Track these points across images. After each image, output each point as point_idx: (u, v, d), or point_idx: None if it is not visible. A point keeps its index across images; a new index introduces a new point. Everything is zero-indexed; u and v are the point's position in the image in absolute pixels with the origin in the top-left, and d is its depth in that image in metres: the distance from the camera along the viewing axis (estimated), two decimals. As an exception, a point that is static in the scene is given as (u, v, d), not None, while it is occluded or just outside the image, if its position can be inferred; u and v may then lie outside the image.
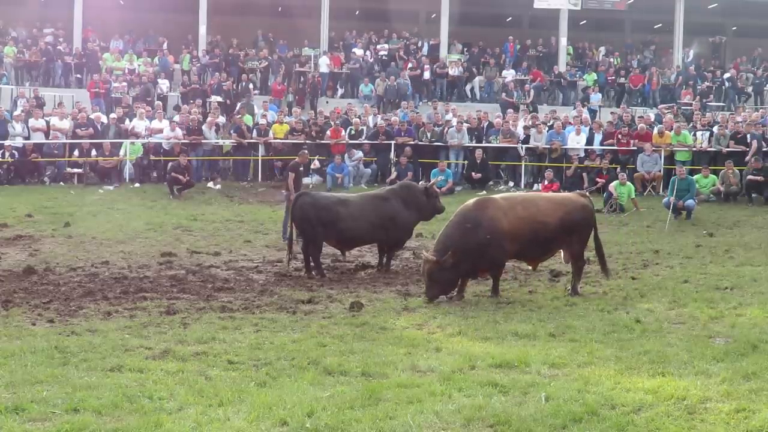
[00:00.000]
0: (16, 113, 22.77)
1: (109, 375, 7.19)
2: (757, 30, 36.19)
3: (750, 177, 20.46)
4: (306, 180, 22.51)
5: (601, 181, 21.38)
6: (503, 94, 29.00)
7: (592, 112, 27.14)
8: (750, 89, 32.15)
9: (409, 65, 30.04)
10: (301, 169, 18.29)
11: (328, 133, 23.20)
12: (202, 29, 31.23)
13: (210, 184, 21.96)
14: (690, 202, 17.87)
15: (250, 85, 28.37)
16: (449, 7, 32.11)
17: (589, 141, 23.01)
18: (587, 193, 12.20)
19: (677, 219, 17.65)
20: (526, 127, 23.44)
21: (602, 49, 33.45)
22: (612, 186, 19.16)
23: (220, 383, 7.04)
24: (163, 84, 27.68)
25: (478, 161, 22.30)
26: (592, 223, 11.03)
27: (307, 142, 23.01)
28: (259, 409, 6.36)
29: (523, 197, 11.27)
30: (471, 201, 10.88)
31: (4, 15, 31.54)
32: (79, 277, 11.56)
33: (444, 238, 10.45)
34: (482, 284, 11.59)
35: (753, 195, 20.37)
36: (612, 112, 26.02)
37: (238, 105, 26.25)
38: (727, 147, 22.23)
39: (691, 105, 28.11)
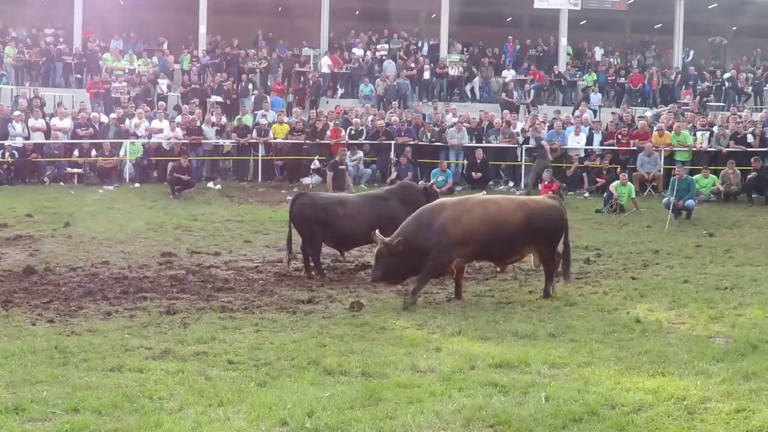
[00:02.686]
0: (16, 113, 22.77)
1: (109, 375, 7.19)
2: (757, 30, 36.18)
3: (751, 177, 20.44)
4: (306, 180, 22.65)
5: (601, 181, 21.39)
6: (503, 94, 29.00)
7: (592, 112, 27.13)
8: (750, 89, 32.16)
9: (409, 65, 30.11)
10: (341, 167, 18.39)
11: (328, 133, 23.21)
12: (202, 29, 31.22)
13: (210, 184, 21.97)
14: (690, 202, 17.88)
15: (250, 86, 28.40)
16: (449, 7, 32.10)
17: (589, 141, 23.02)
18: (558, 195, 11.75)
19: (677, 219, 17.64)
20: (523, 130, 23.42)
21: (600, 50, 33.39)
22: (612, 186, 19.16)
23: (220, 383, 7.04)
24: (163, 84, 27.70)
25: (478, 161, 22.32)
26: (562, 225, 10.72)
27: (308, 141, 23.09)
28: (259, 409, 6.37)
29: (484, 198, 10.99)
30: (433, 202, 10.80)
31: (4, 15, 31.53)
32: (79, 277, 11.56)
33: (401, 227, 10.47)
34: (482, 284, 11.61)
35: (753, 195, 20.35)
36: (613, 113, 25.98)
37: (252, 98, 26.33)
38: (727, 147, 22.23)
39: (690, 105, 28.14)
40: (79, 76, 29.12)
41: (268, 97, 27.07)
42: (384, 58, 30.71)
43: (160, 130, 22.97)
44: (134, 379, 7.08)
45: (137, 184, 21.65)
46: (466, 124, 23.56)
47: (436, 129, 23.39)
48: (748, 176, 20.50)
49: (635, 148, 22.28)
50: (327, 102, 28.89)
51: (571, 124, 23.66)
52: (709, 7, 35.05)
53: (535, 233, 10.47)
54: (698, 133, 22.91)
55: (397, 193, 12.68)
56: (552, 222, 10.62)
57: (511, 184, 23.09)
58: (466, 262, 10.88)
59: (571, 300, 10.53)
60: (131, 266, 12.42)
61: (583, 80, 30.97)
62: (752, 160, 20.85)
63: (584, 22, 35.26)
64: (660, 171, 21.52)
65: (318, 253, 12.34)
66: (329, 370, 7.45)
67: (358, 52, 30.57)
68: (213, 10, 31.76)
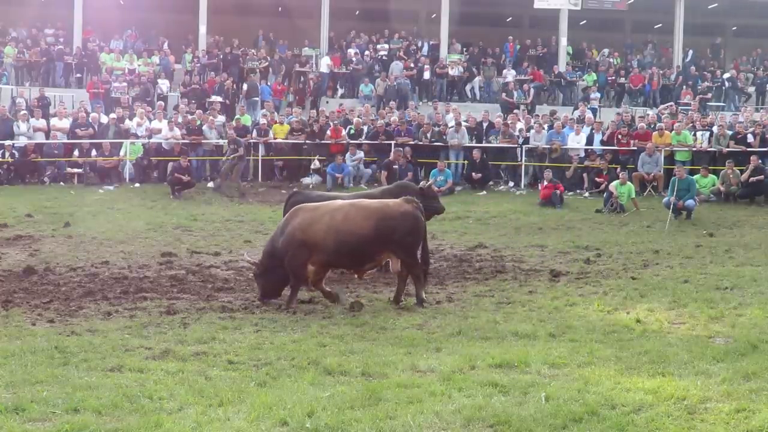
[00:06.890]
0: (21, 113, 22.76)
1: (109, 375, 7.20)
2: (757, 30, 36.18)
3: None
4: (306, 180, 22.65)
5: (601, 181, 21.38)
6: (503, 94, 29.00)
7: (593, 112, 27.12)
8: (750, 89, 32.14)
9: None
10: (395, 167, 18.41)
11: (328, 133, 23.21)
12: (202, 29, 31.21)
13: (210, 184, 21.96)
14: (690, 202, 17.87)
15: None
16: (449, 7, 32.10)
17: (589, 141, 23.01)
18: (416, 199, 10.87)
19: (677, 219, 17.64)
20: (521, 130, 23.40)
21: (605, 51, 33.39)
22: (612, 186, 19.16)
23: (220, 383, 7.04)
24: (163, 84, 27.68)
25: (478, 161, 22.31)
26: (418, 231, 10.28)
27: (308, 141, 23.08)
28: (259, 409, 6.37)
29: (334, 206, 10.47)
30: (293, 208, 10.58)
31: (4, 15, 31.53)
32: (79, 277, 11.56)
33: (269, 239, 10.58)
34: (482, 284, 11.60)
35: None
36: (618, 113, 25.89)
37: (245, 88, 26.67)
38: (727, 147, 22.21)
39: (690, 105, 28.13)
40: (79, 75, 29.11)
41: (259, 86, 27.10)
42: (384, 58, 30.71)
43: (160, 130, 22.96)
44: (134, 379, 7.08)
45: (137, 184, 21.64)
46: (465, 124, 23.55)
47: (436, 129, 23.39)
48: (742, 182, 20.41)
49: (635, 148, 22.27)
50: (327, 102, 28.88)
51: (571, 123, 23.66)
52: (709, 7, 35.05)
53: (387, 241, 10.12)
54: (698, 133, 22.91)
55: (392, 193, 12.60)
56: (404, 229, 10.16)
57: (511, 184, 23.09)
58: (321, 269, 10.32)
59: (571, 300, 10.54)
60: (131, 266, 12.42)
61: (583, 80, 30.98)
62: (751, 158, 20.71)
63: (584, 22, 35.27)
64: (660, 171, 21.50)
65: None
66: (329, 370, 7.46)
67: (357, 52, 30.52)
68: (213, 10, 31.74)
